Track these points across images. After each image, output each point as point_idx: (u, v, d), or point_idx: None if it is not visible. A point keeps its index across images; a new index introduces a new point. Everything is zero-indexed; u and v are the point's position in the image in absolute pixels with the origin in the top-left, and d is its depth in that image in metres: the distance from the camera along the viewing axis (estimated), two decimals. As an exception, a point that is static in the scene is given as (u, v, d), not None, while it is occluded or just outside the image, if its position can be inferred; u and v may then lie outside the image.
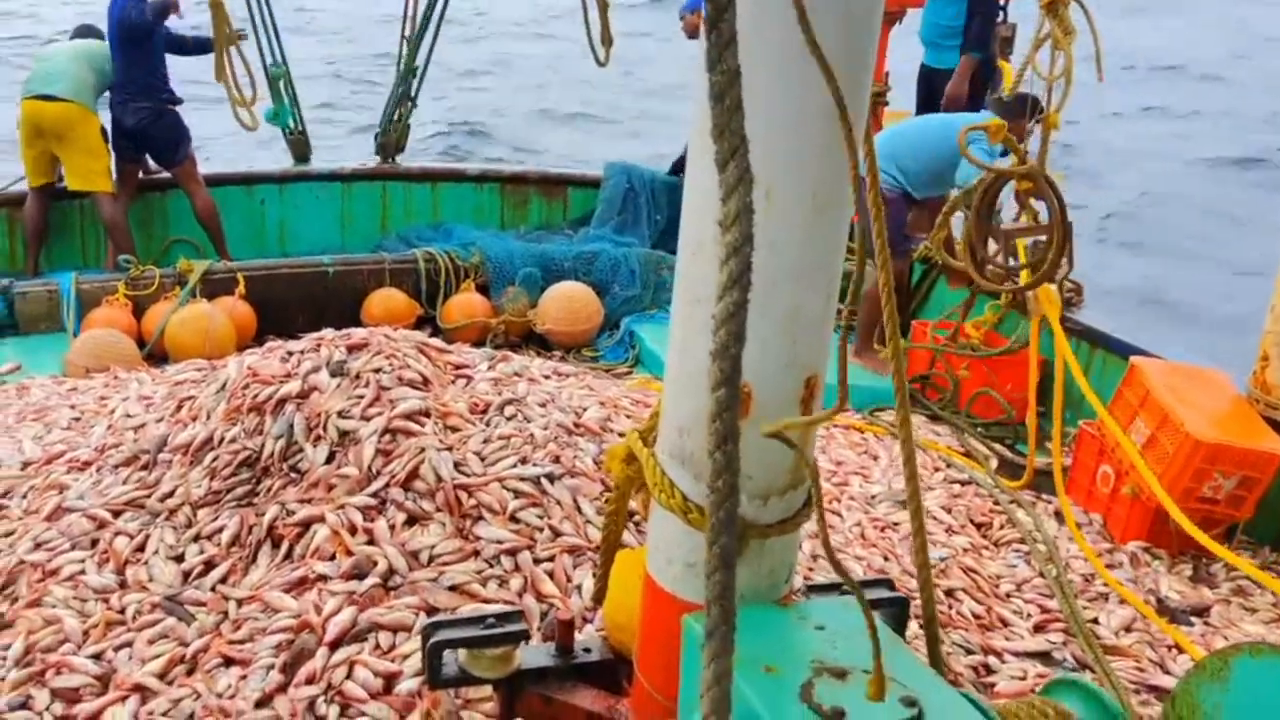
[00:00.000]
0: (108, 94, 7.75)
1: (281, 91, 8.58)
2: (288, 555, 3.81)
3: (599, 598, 2.77)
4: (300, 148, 8.90)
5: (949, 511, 4.89)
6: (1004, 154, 5.19)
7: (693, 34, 8.30)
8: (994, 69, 7.63)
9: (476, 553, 3.72)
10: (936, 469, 5.36)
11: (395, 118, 8.86)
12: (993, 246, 4.87)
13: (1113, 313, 6.11)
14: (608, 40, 8.21)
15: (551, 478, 3.94)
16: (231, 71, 7.40)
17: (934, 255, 7.10)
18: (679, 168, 8.74)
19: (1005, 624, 4.24)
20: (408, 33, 8.60)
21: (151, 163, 8.09)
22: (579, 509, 3.91)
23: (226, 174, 8.37)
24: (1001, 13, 7.77)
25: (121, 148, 7.88)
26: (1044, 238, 4.64)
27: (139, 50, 7.62)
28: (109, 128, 7.80)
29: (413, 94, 8.82)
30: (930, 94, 8.18)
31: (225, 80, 7.33)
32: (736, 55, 1.14)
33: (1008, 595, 4.45)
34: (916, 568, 2.41)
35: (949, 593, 4.33)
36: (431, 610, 3.51)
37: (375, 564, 3.66)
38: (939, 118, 6.72)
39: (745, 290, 1.15)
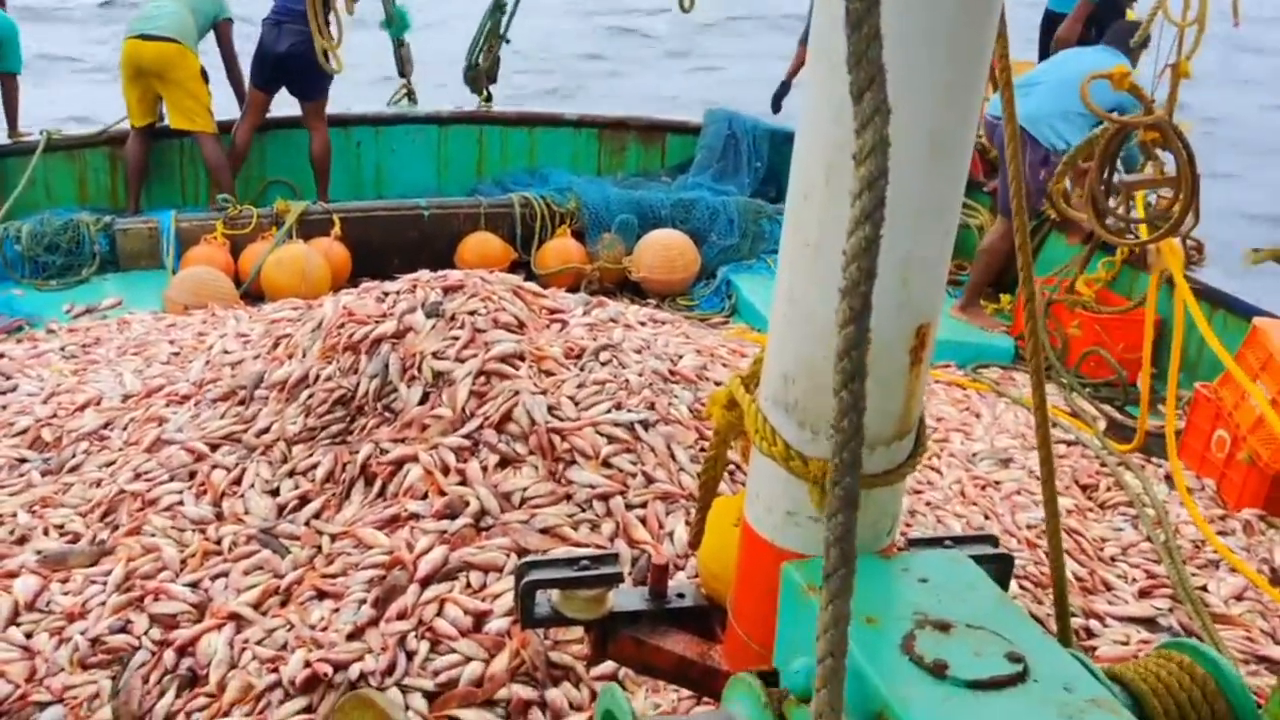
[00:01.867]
0: (233, 22, 7.79)
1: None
2: (381, 493, 3.82)
3: (695, 543, 2.71)
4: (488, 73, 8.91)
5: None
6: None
7: None
8: (1118, 13, 7.31)
9: (569, 496, 3.68)
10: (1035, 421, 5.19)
11: (486, 48, 8.76)
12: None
13: (1234, 274, 5.84)
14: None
15: (646, 424, 3.88)
16: (320, 10, 7.37)
17: (1043, 209, 6.91)
18: (778, 97, 8.55)
19: (1109, 588, 4.10)
20: None
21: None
22: (673, 456, 3.84)
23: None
24: None
25: (263, 73, 7.86)
26: (1166, 190, 4.42)
27: None
28: (256, 51, 7.81)
29: (502, 30, 8.68)
30: (1052, 40, 7.92)
31: (314, 19, 7.29)
32: None
33: (1112, 559, 4.30)
34: (1049, 544, 2.32)
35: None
36: (522, 552, 3.49)
37: (467, 504, 3.64)
38: (1073, 61, 6.42)
39: (878, 226, 1.11)
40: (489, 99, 9.07)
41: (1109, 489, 4.71)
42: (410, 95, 9.04)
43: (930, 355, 1.92)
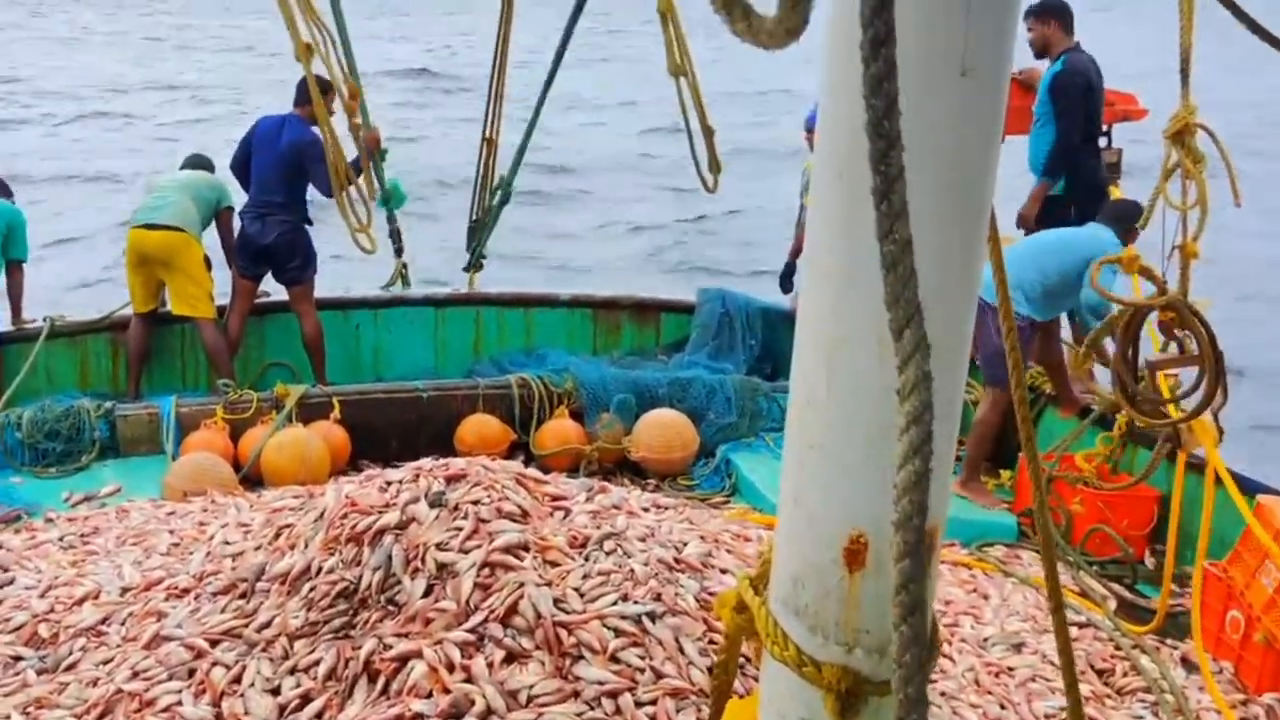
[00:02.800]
0: (234, 210, 7.95)
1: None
2: (384, 691, 3.74)
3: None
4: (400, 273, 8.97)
5: (1067, 656, 4.65)
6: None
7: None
8: (1099, 191, 7.44)
9: (577, 694, 3.61)
10: (1054, 610, 5.11)
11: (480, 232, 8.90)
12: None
13: (1228, 446, 5.86)
14: (716, 167, 8.28)
15: (653, 616, 3.83)
16: (348, 197, 7.55)
17: (1038, 383, 6.98)
18: (786, 279, 8.64)
19: (1131, 781, 3.99)
20: (489, 133, 8.57)
21: (260, 286, 8.24)
22: (681, 650, 3.78)
23: (323, 298, 8.48)
24: (1105, 138, 7.67)
25: (248, 264, 7.99)
26: (1192, 369, 4.46)
27: (296, 171, 7.85)
28: (238, 242, 7.95)
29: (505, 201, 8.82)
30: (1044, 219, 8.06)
31: (343, 205, 7.46)
32: (908, 225, 1.16)
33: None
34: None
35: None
36: (530, 755, 3.40)
37: (473, 703, 3.56)
38: (1054, 234, 6.57)
39: (927, 460, 1.14)
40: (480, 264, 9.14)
41: (1125, 674, 4.62)
42: (404, 277, 9.13)
43: (938, 556, 1.91)
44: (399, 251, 8.91)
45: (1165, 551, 5.77)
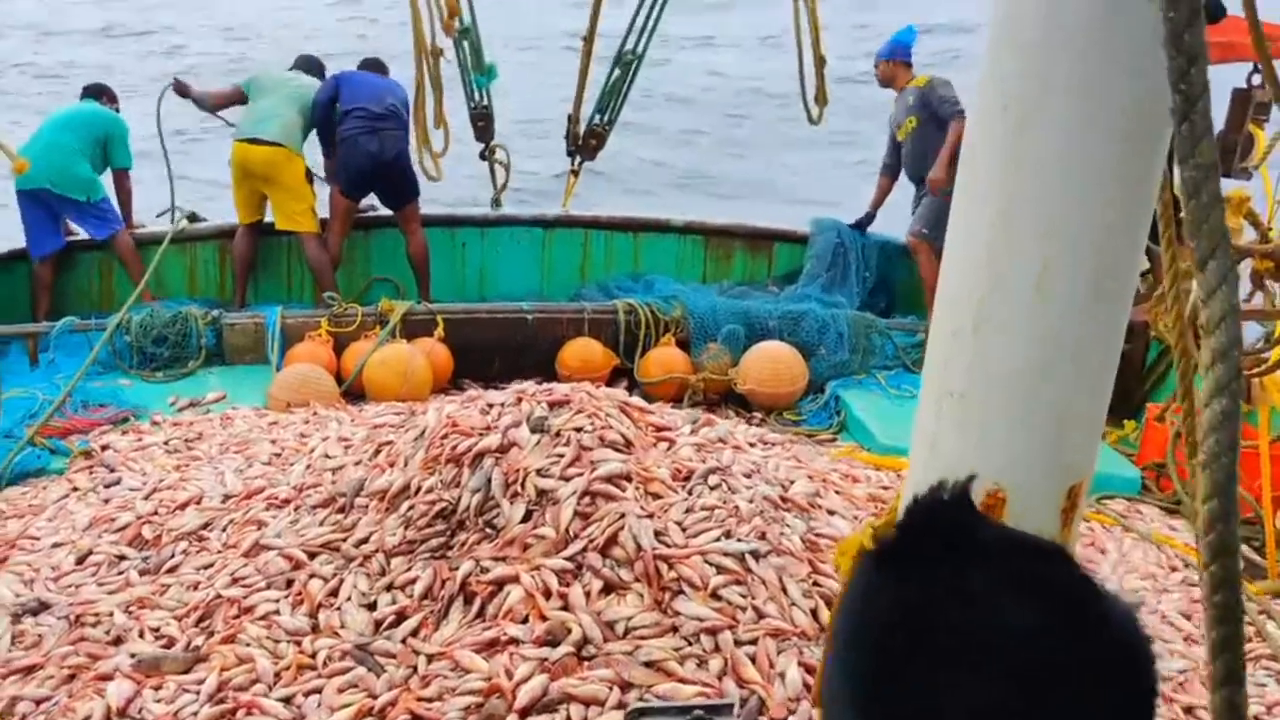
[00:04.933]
0: (351, 124, 7.74)
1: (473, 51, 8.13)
2: (480, 613, 3.69)
3: (818, 699, 2.53)
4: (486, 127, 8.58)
5: (1188, 618, 4.43)
6: None
7: (885, 83, 7.99)
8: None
9: (675, 628, 3.52)
10: (1173, 568, 4.88)
11: (605, 112, 8.50)
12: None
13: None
14: (823, 99, 8.02)
15: (757, 555, 3.70)
16: (423, 116, 7.42)
17: (1165, 336, 6.65)
18: (860, 226, 8.41)
19: (1252, 753, 3.78)
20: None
21: (362, 203, 8.19)
22: (785, 590, 3.66)
23: (429, 215, 8.42)
24: (1258, 74, 7.23)
25: (359, 181, 7.86)
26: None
27: (404, 100, 7.81)
28: (348, 159, 7.77)
29: (624, 90, 8.45)
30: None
31: (420, 124, 7.33)
32: (1213, 148, 1.08)
33: (1256, 718, 3.98)
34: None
35: (1188, 710, 3.89)
36: (626, 686, 3.33)
37: (569, 631, 3.50)
38: None
39: (1236, 399, 1.07)
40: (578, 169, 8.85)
41: (1249, 639, 4.39)
42: (504, 169, 8.93)
43: (1081, 514, 1.76)
44: (488, 139, 8.59)
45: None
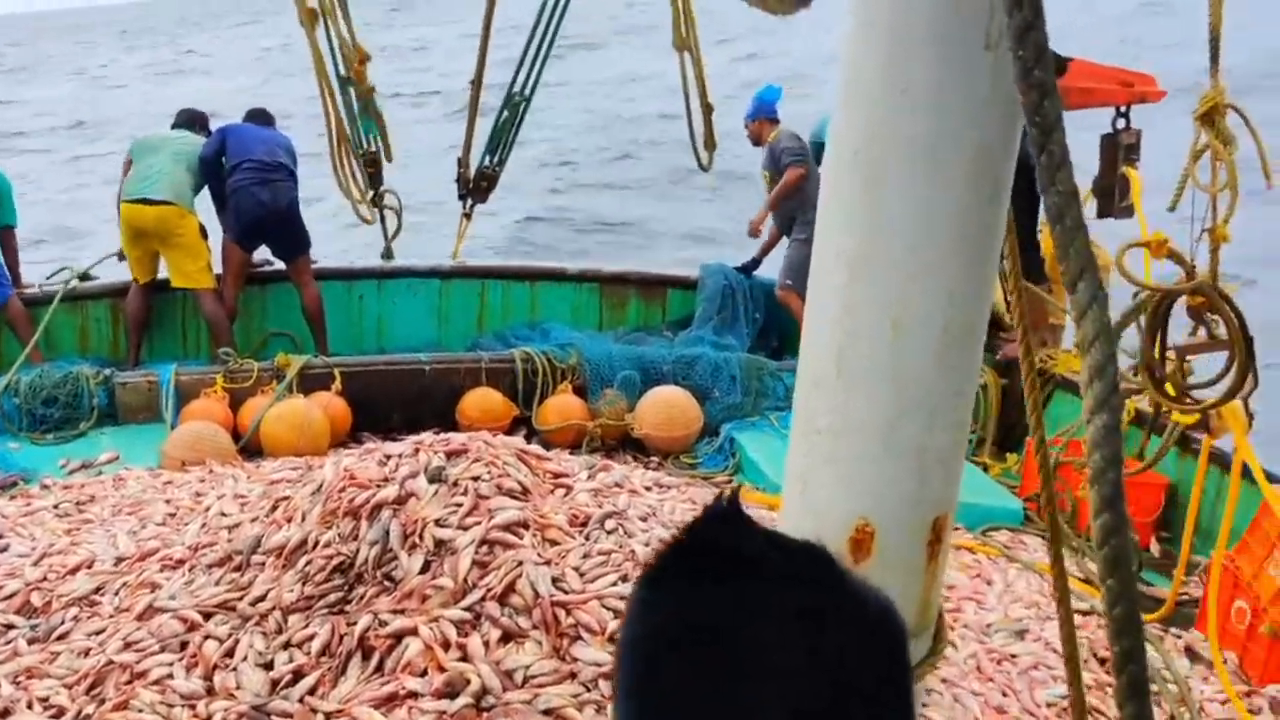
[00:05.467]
0: (237, 174, 7.68)
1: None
2: (378, 668, 3.70)
3: None
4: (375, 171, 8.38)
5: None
6: None
7: (757, 141, 8.27)
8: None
9: (574, 675, 3.56)
10: (1056, 597, 5.05)
11: (496, 151, 8.58)
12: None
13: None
14: (711, 144, 8.21)
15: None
16: (346, 163, 7.37)
17: (1047, 366, 6.91)
18: (746, 270, 8.59)
19: (1134, 771, 3.93)
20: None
21: (256, 257, 8.13)
22: (681, 631, 3.71)
23: (326, 269, 8.39)
24: (1124, 119, 7.58)
25: (250, 236, 7.80)
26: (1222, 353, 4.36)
27: (291, 152, 7.82)
28: (242, 211, 7.69)
29: (513, 131, 8.52)
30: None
31: (343, 174, 7.31)
32: (1071, 175, 1.14)
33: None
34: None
35: (1073, 732, 4.03)
36: (525, 735, 3.35)
37: (468, 682, 3.52)
38: None
39: (1116, 413, 1.12)
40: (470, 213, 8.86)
41: (1127, 662, 4.57)
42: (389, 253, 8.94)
43: (948, 547, 1.85)
44: (377, 185, 8.42)
45: (1171, 539, 5.72)
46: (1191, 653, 4.77)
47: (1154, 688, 4.41)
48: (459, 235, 9.05)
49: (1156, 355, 4.28)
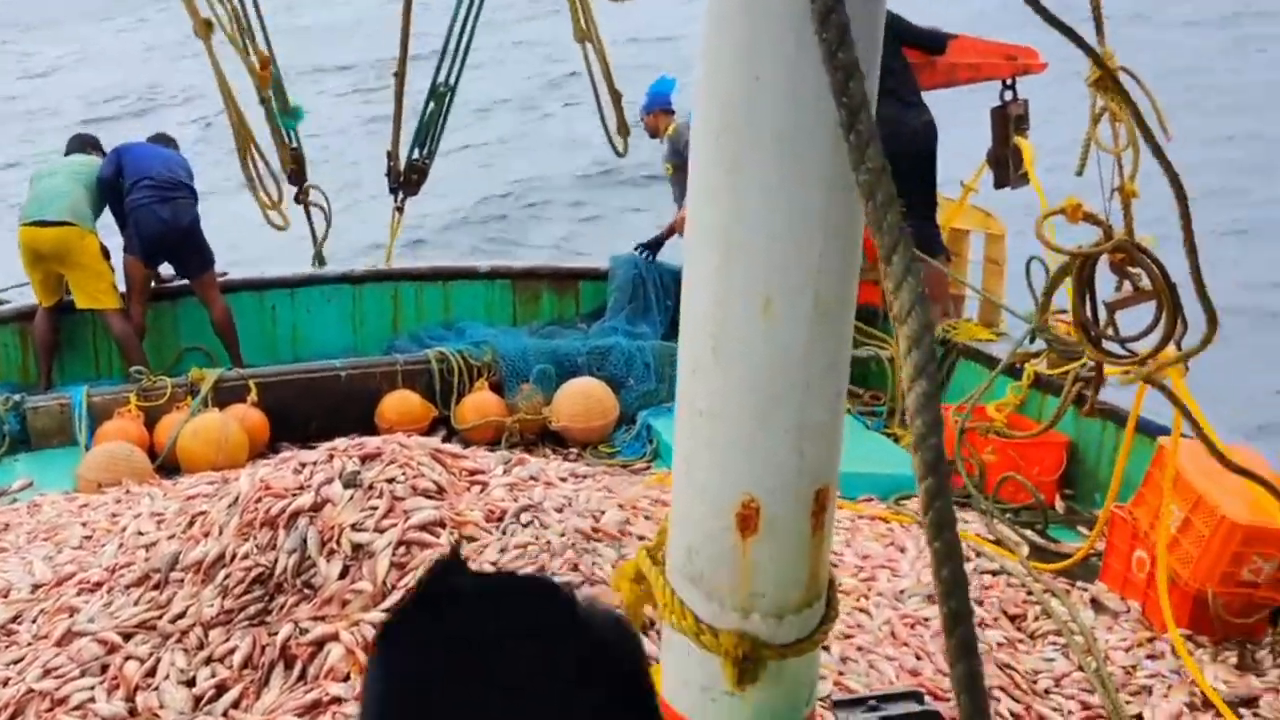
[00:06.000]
0: (136, 193, 7.56)
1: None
2: (301, 676, 3.72)
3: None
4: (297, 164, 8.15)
5: (981, 604, 4.75)
6: None
7: (654, 133, 8.37)
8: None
9: (496, 668, 3.61)
10: (966, 559, 5.20)
11: (425, 144, 8.47)
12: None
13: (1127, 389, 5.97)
14: (624, 130, 8.25)
15: (570, 586, 3.83)
16: (254, 167, 7.28)
17: (950, 335, 7.10)
18: (649, 247, 8.61)
19: (1046, 722, 4.09)
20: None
21: (163, 272, 8.05)
22: (600, 618, 3.79)
23: (236, 280, 8.32)
24: (1010, 90, 7.78)
25: (153, 252, 7.71)
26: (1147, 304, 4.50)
27: (188, 170, 7.73)
28: (141, 228, 7.58)
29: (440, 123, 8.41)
30: None
31: (251, 179, 7.23)
32: (880, 152, 1.17)
33: (1046, 691, 4.29)
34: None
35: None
36: (451, 731, 3.40)
37: (392, 683, 3.55)
38: None
39: (934, 380, 1.17)
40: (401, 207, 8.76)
41: (1036, 618, 4.73)
42: (320, 257, 8.87)
43: (832, 518, 1.93)
44: (301, 182, 8.24)
45: (1074, 496, 5.91)
46: (1097, 604, 4.95)
47: (1061, 639, 4.58)
48: (392, 231, 8.98)
49: (1090, 315, 4.40)
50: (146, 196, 7.51)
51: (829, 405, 1.83)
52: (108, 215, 7.82)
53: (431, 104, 8.34)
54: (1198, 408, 4.82)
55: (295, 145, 8.04)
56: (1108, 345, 4.45)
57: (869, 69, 1.70)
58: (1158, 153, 3.27)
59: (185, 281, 8.06)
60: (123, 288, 7.77)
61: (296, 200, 8.33)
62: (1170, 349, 4.56)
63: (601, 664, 1.02)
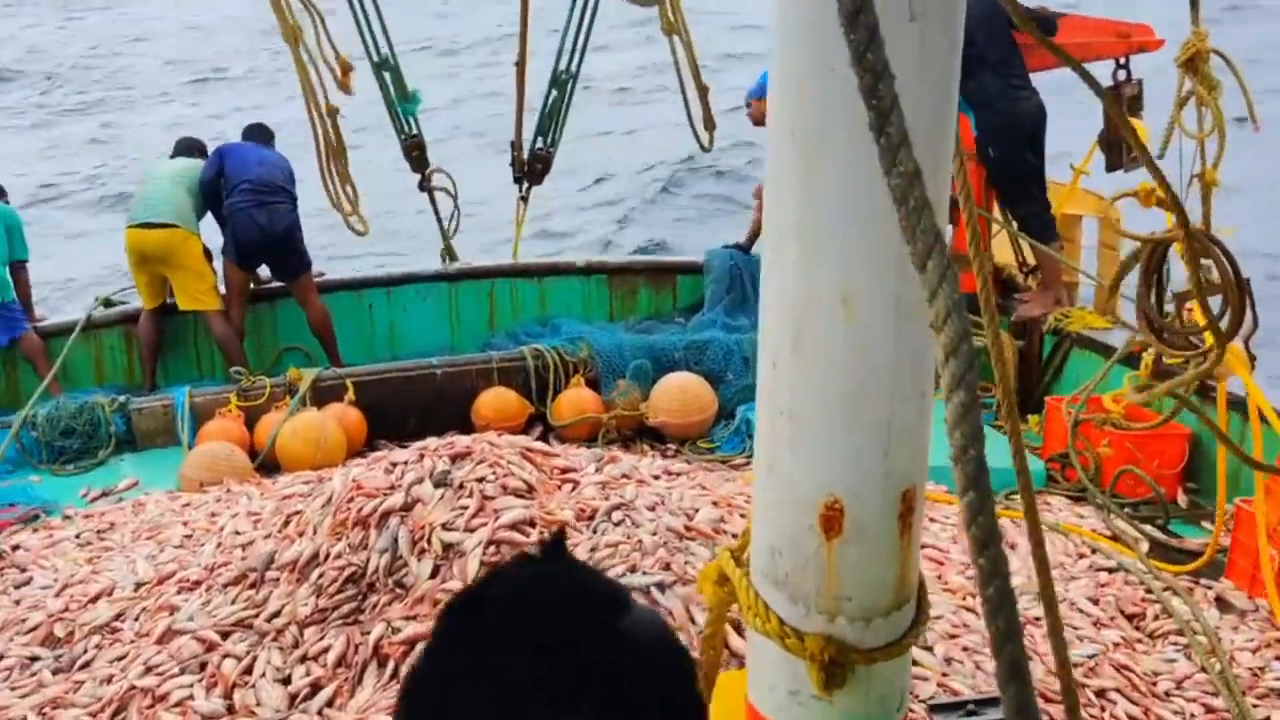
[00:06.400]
0: (238, 196, 7.63)
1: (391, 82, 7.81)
2: (394, 675, 3.70)
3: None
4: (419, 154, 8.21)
5: (1096, 603, 4.54)
6: None
7: (759, 121, 8.17)
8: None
9: (589, 667, 3.53)
10: (1081, 555, 4.99)
11: (548, 133, 8.36)
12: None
13: (1273, 379, 5.68)
14: (710, 124, 8.14)
15: (662, 586, 3.75)
16: (333, 178, 7.30)
17: (1063, 325, 6.84)
18: (743, 246, 8.50)
19: (1168, 728, 3.88)
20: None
21: (260, 274, 8.15)
22: (691, 619, 3.70)
23: (334, 280, 8.40)
24: (1124, 70, 7.48)
25: (252, 254, 7.80)
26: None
27: (289, 174, 7.79)
28: (238, 232, 7.66)
29: (564, 111, 8.29)
30: None
31: (333, 189, 7.27)
32: (912, 155, 1.11)
33: (1167, 694, 4.08)
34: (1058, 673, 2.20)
35: (1100, 693, 3.99)
36: (543, 733, 3.34)
37: (483, 684, 3.50)
38: None
39: (972, 390, 1.10)
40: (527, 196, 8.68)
41: (1156, 617, 4.50)
42: (449, 251, 8.87)
43: (920, 519, 1.84)
44: (424, 168, 8.27)
45: (1198, 490, 5.63)
46: (1222, 602, 4.70)
47: (1183, 640, 4.35)
48: (517, 224, 8.95)
49: (1154, 305, 4.21)
50: (244, 201, 7.58)
51: (915, 403, 1.76)
52: (212, 219, 7.93)
53: (554, 91, 8.28)
54: (1264, 399, 4.59)
55: (415, 132, 8.06)
56: (1170, 338, 4.26)
57: (947, 67, 1.61)
58: None
59: (282, 285, 8.16)
60: (224, 290, 7.89)
61: (421, 188, 8.37)
62: (1238, 343, 4.34)
63: (623, 681, 1.00)
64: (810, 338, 1.70)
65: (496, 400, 7.10)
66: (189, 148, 8.22)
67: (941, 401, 1.20)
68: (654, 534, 3.96)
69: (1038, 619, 4.32)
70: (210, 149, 8.17)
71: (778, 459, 1.81)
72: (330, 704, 3.67)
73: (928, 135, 1.63)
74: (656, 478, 4.61)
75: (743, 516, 4.32)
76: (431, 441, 4.49)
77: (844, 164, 1.61)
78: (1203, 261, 4.28)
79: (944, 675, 3.76)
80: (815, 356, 1.69)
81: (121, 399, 7.17)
